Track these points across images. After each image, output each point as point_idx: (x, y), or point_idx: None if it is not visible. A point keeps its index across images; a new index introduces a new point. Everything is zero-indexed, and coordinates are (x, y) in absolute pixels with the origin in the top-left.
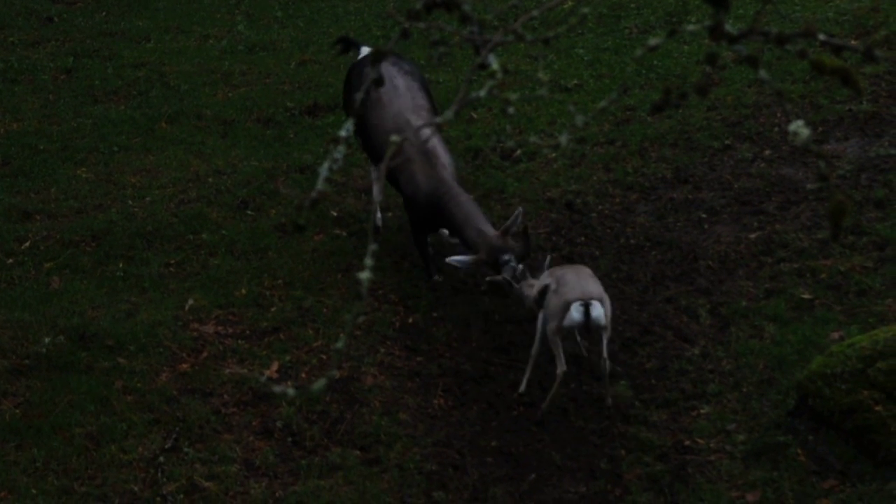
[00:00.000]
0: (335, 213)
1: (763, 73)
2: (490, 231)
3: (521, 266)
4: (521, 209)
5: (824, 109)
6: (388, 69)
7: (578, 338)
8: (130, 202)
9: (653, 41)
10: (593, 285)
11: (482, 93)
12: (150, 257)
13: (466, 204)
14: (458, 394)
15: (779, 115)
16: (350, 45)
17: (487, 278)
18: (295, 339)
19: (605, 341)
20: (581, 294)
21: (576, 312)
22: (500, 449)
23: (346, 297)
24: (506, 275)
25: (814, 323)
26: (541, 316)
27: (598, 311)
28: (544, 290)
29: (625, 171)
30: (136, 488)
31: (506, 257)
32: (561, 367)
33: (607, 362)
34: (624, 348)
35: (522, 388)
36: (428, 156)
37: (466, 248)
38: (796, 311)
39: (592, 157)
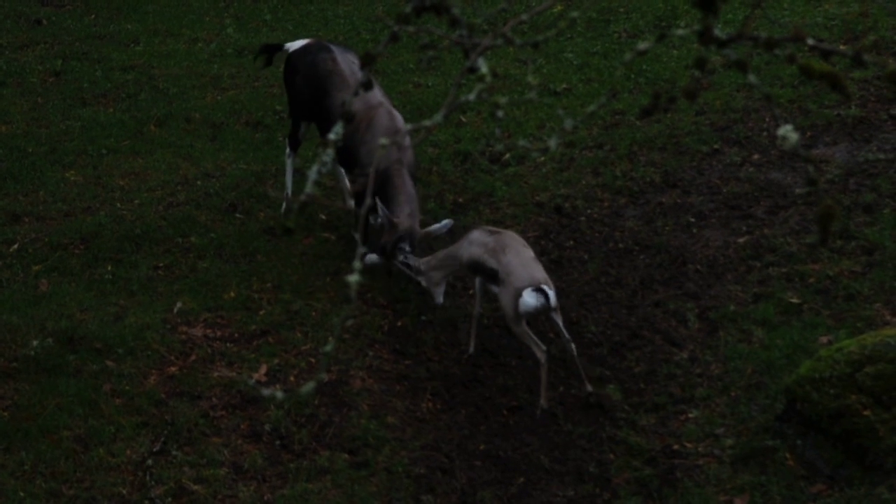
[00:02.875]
0: (324, 217)
1: (752, 78)
2: (414, 220)
3: (408, 249)
4: (450, 222)
5: (813, 114)
6: (343, 55)
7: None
8: (119, 205)
9: (642, 45)
10: (538, 269)
11: (471, 96)
12: (138, 260)
13: (411, 189)
14: (446, 397)
15: (767, 119)
16: (273, 51)
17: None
18: (283, 343)
19: (560, 322)
20: (531, 280)
21: (529, 298)
22: (488, 452)
23: (334, 300)
24: (402, 258)
25: (802, 327)
26: (478, 281)
27: (549, 293)
28: (490, 274)
29: (613, 175)
30: (124, 491)
31: (403, 245)
32: (539, 352)
33: (572, 344)
34: (612, 352)
35: (471, 349)
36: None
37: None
38: (785, 316)
39: (581, 160)
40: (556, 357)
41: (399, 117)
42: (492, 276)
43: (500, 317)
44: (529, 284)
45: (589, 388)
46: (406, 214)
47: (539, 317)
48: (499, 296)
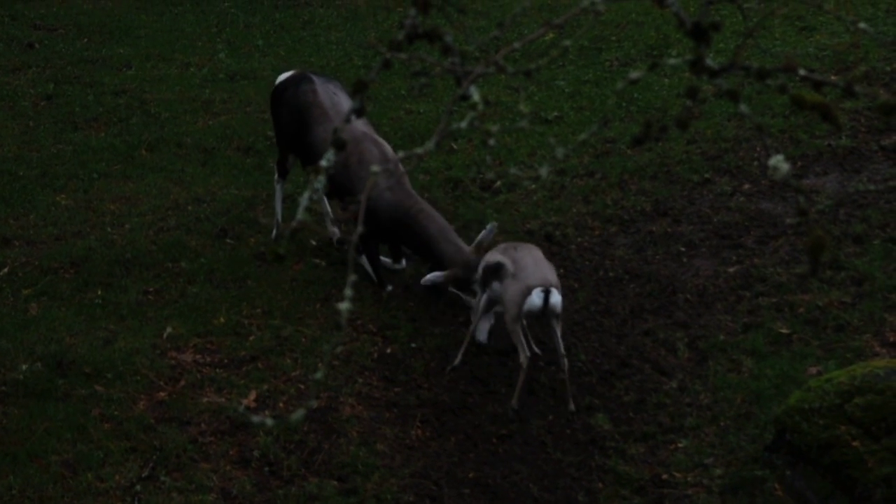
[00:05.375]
0: (314, 243)
1: (743, 108)
2: (465, 247)
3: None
4: (494, 224)
5: (804, 144)
6: (327, 85)
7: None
8: (109, 229)
9: (634, 74)
10: (550, 272)
11: (463, 124)
12: (128, 285)
13: (439, 219)
14: (435, 425)
15: (758, 149)
16: None
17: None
18: (273, 369)
19: (559, 334)
20: (542, 280)
21: (536, 298)
22: (477, 481)
23: (324, 326)
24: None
25: (792, 357)
26: (485, 296)
27: (557, 299)
28: (495, 268)
29: (604, 203)
30: None
31: (473, 276)
32: (524, 355)
33: (565, 359)
34: (602, 381)
35: (457, 361)
36: (392, 166)
37: (436, 265)
38: (774, 346)
39: (572, 189)
40: (546, 385)
41: (386, 144)
42: (497, 270)
43: (491, 345)
44: (540, 284)
45: (572, 407)
46: (463, 243)
47: (541, 319)
48: (504, 291)
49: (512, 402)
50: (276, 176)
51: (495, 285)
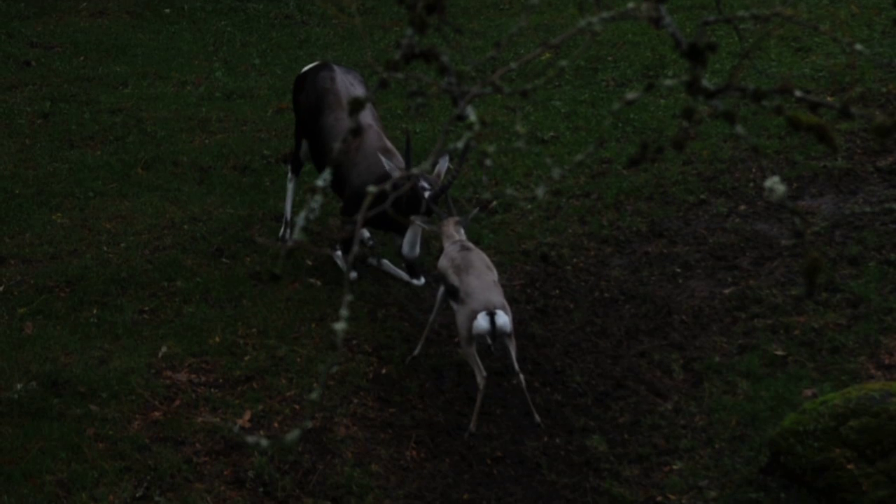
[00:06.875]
0: (310, 263)
1: (739, 129)
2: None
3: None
4: (446, 157)
5: (799, 165)
6: (344, 76)
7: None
8: (105, 248)
9: (630, 95)
10: (496, 294)
11: (459, 144)
12: (124, 304)
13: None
14: (430, 446)
15: (754, 170)
16: None
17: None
18: (268, 389)
19: (513, 352)
20: (486, 304)
21: (483, 321)
22: (472, 502)
23: (319, 346)
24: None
25: (787, 380)
26: (441, 291)
27: (504, 320)
28: (451, 290)
29: (600, 224)
30: None
31: (426, 185)
32: (480, 377)
33: (521, 375)
34: (597, 402)
35: (417, 351)
36: (387, 152)
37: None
38: (769, 368)
39: (568, 209)
40: (542, 406)
41: (386, 139)
42: (452, 292)
43: (485, 364)
44: (485, 308)
45: (537, 418)
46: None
47: (492, 341)
48: (455, 314)
49: (470, 426)
50: (288, 174)
51: (452, 304)
